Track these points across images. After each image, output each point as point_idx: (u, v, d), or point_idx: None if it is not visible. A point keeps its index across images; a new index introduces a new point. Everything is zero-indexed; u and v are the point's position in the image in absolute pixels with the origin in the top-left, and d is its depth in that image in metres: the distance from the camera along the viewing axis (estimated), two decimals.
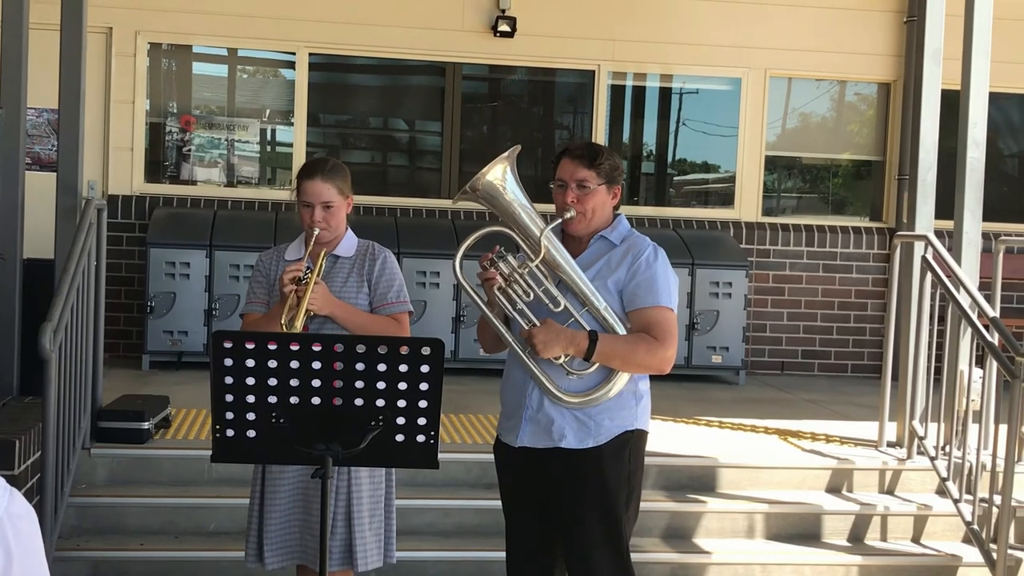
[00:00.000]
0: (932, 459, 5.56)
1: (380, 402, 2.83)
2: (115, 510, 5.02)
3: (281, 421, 2.84)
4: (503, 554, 3.57)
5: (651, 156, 9.32)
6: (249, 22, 8.31)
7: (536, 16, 8.55)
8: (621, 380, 3.32)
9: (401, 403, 2.84)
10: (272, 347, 2.80)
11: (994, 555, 4.87)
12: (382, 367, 2.81)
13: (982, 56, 5.82)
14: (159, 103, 8.49)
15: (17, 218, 5.30)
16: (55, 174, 5.46)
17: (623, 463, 3.35)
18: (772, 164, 9.24)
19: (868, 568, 5.25)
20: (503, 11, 8.46)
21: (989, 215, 6.23)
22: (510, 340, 3.34)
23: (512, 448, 3.42)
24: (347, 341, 2.85)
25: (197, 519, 5.04)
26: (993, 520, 4.99)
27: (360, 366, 2.81)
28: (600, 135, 8.81)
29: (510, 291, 3.30)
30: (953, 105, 6.05)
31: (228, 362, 2.80)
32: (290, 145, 8.63)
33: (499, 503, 3.57)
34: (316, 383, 2.82)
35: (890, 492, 5.68)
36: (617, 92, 9.02)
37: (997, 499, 4.92)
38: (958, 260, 5.75)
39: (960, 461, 5.36)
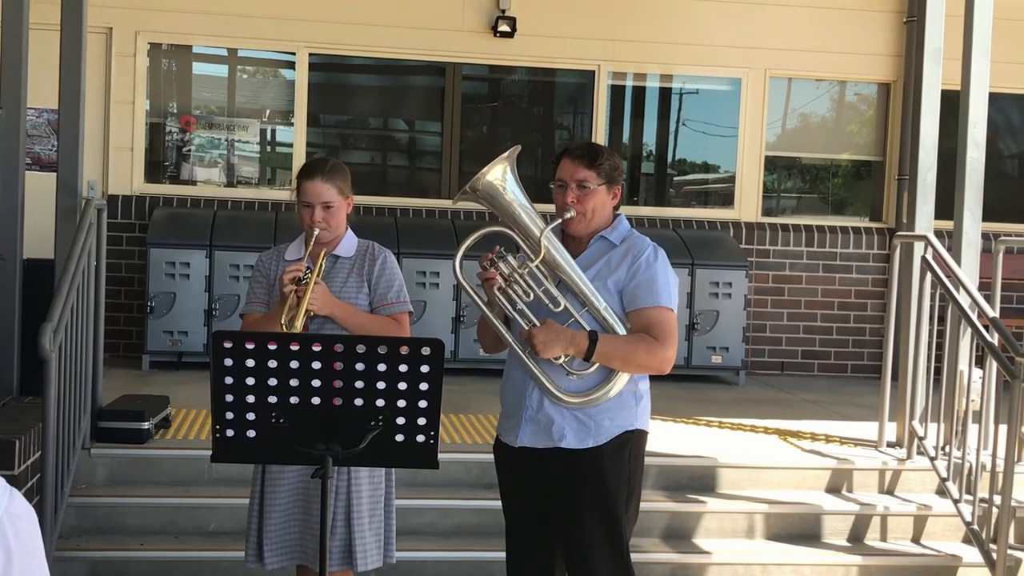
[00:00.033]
0: (932, 459, 5.56)
1: (380, 402, 2.83)
2: (115, 510, 5.03)
3: (281, 421, 2.84)
4: (503, 554, 3.57)
5: (651, 156, 9.32)
6: (249, 22, 8.31)
7: (536, 16, 8.55)
8: (621, 380, 3.32)
9: (401, 403, 2.84)
10: (272, 347, 2.80)
11: (994, 555, 4.87)
12: (382, 367, 2.81)
13: (982, 56, 5.82)
14: (159, 103, 8.49)
15: (17, 218, 5.30)
16: (55, 174, 5.46)
17: (623, 463, 3.35)
18: (772, 164, 9.24)
19: (868, 568, 5.25)
20: (503, 11, 8.47)
21: (989, 215, 6.23)
22: (510, 340, 3.34)
23: (512, 448, 3.42)
24: (347, 341, 2.85)
25: (197, 519, 5.04)
26: (993, 520, 4.99)
27: (360, 366, 2.81)
28: (600, 135, 8.81)
29: (510, 291, 3.30)
30: (953, 105, 6.05)
31: (228, 362, 2.80)
32: (290, 145, 8.63)
33: (499, 503, 3.57)
34: (316, 383, 2.82)
35: (890, 492, 5.68)
36: (617, 92, 9.03)
37: (997, 499, 4.92)
38: (958, 260, 5.75)
39: (960, 461, 5.36)
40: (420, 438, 2.89)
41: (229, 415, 2.85)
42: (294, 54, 8.49)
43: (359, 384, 2.82)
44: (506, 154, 3.36)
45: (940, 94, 6.05)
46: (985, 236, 6.17)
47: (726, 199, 9.11)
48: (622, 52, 8.76)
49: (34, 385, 4.90)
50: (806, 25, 8.90)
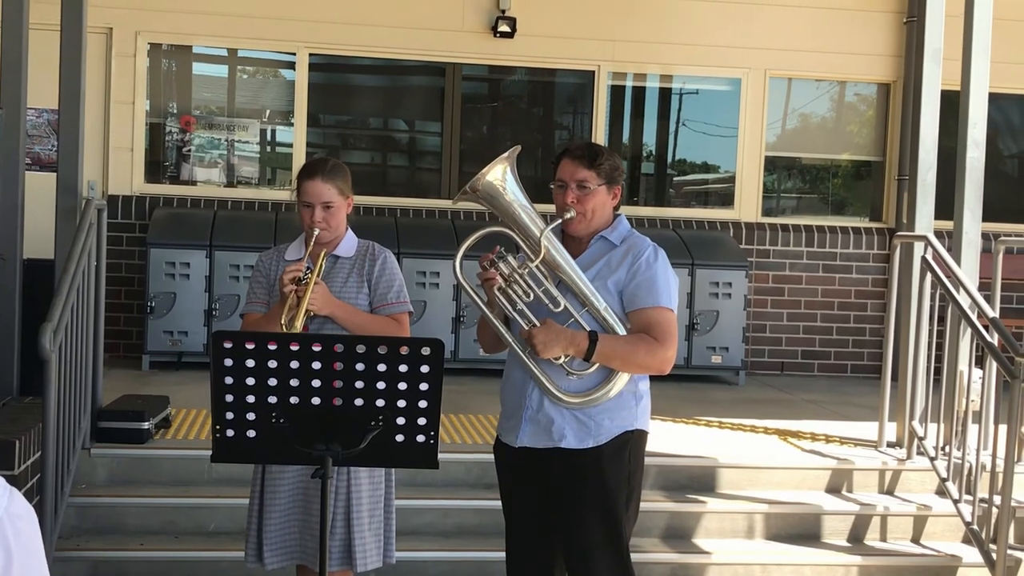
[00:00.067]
0: (932, 459, 5.56)
1: (380, 402, 2.83)
2: (115, 510, 5.03)
3: (281, 421, 2.84)
4: (503, 554, 3.57)
5: (651, 156, 9.32)
6: (249, 22, 8.31)
7: (536, 16, 8.55)
8: (621, 380, 3.32)
9: (401, 403, 2.84)
10: (272, 347, 2.81)
11: (994, 555, 4.87)
12: (382, 367, 2.81)
13: (982, 56, 5.82)
14: (159, 103, 8.49)
15: (17, 218, 5.30)
16: (55, 174, 5.46)
17: (623, 463, 3.35)
18: (772, 164, 9.25)
19: (868, 568, 5.25)
20: (503, 11, 8.47)
21: (989, 215, 6.23)
22: (510, 340, 3.34)
23: (512, 448, 3.42)
24: (347, 341, 2.85)
25: (197, 519, 5.04)
26: (993, 520, 4.99)
27: (360, 366, 2.81)
28: (600, 135, 8.81)
29: (510, 291, 3.30)
30: (953, 105, 6.05)
31: (228, 362, 2.80)
32: (290, 145, 8.63)
33: (499, 503, 3.57)
34: (316, 383, 2.82)
35: (890, 492, 5.68)
36: (617, 92, 9.03)
37: (997, 499, 4.92)
38: (958, 260, 5.75)
39: (960, 461, 5.36)
40: (420, 438, 2.89)
41: (229, 415, 2.86)
42: (294, 54, 8.49)
43: (359, 384, 2.82)
44: (506, 154, 3.36)
45: (940, 94, 6.05)
46: (985, 236, 6.17)
47: (726, 199, 9.11)
48: (622, 52, 8.76)
49: (34, 385, 4.90)
50: (806, 25, 8.90)
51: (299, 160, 8.31)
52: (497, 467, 3.57)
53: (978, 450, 5.21)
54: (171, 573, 4.85)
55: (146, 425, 5.28)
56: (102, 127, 8.15)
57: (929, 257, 5.76)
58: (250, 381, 2.82)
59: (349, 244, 3.69)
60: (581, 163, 3.36)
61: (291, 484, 3.53)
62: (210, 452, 2.94)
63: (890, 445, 5.98)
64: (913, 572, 5.27)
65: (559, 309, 3.29)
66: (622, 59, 8.79)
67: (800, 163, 9.50)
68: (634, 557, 3.44)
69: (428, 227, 8.27)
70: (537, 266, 3.31)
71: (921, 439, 5.72)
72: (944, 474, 5.45)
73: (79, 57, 5.37)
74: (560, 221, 3.36)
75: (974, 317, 5.37)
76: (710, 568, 5.13)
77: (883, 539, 5.45)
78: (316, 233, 3.58)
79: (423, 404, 2.85)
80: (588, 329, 3.26)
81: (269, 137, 8.87)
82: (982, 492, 5.12)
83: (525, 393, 3.37)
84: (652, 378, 3.45)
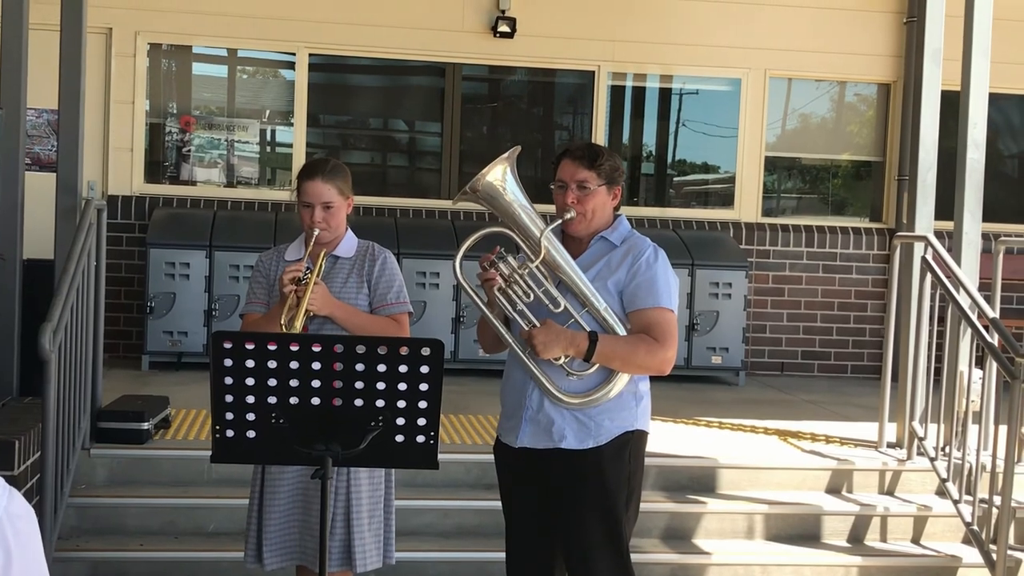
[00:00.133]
0: (932, 460, 5.56)
1: (380, 402, 2.83)
2: (115, 510, 5.02)
3: (281, 421, 2.84)
4: (503, 555, 3.57)
5: (651, 157, 9.32)
6: (249, 23, 8.31)
7: (536, 17, 8.55)
8: (621, 381, 3.32)
9: (401, 403, 2.84)
10: (272, 347, 2.80)
11: (994, 556, 4.87)
12: (382, 367, 2.81)
13: (982, 57, 5.82)
14: (159, 103, 8.49)
15: (17, 218, 5.30)
16: (55, 174, 5.45)
17: (623, 464, 3.35)
18: (772, 165, 9.24)
19: (868, 569, 5.25)
20: (503, 12, 8.47)
21: (989, 216, 6.23)
22: (510, 341, 3.34)
23: (512, 449, 3.42)
24: (347, 342, 2.85)
25: (197, 519, 5.03)
26: (993, 521, 4.99)
27: (360, 366, 2.80)
28: (600, 136, 8.81)
29: (510, 292, 3.30)
30: (953, 106, 6.05)
31: (228, 362, 2.80)
32: (290, 146, 8.63)
33: (499, 504, 3.57)
34: (316, 383, 2.82)
35: (890, 493, 5.68)
36: (617, 93, 9.03)
37: (997, 500, 4.92)
38: (958, 261, 5.75)
39: (960, 462, 5.36)
40: (420, 438, 2.89)
41: (229, 415, 2.85)
42: (294, 54, 8.49)
43: (359, 384, 2.82)
44: (506, 155, 3.36)
45: (940, 94, 6.05)
46: (985, 236, 6.17)
47: (726, 199, 9.11)
48: (622, 52, 8.76)
49: (34, 385, 4.90)
50: (806, 25, 8.90)
51: (299, 160, 8.31)
52: (497, 467, 3.57)
53: (978, 450, 5.21)
54: (171, 573, 4.85)
55: (146, 425, 5.28)
56: (102, 127, 8.15)
57: (929, 257, 5.76)
58: (250, 381, 2.81)
59: (349, 244, 3.69)
60: (581, 163, 3.36)
61: (291, 484, 3.53)
62: (210, 452, 2.94)
63: (890, 445, 5.98)
64: (913, 572, 5.27)
65: (559, 310, 3.29)
66: (622, 59, 8.79)
67: (800, 163, 9.50)
68: (634, 557, 3.44)
69: (428, 227, 8.27)
70: (537, 266, 3.31)
71: (921, 439, 5.71)
72: (944, 474, 5.45)
73: (79, 57, 5.37)
74: (560, 221, 3.36)
75: (974, 317, 5.37)
76: (710, 568, 5.13)
77: (883, 540, 5.45)
78: (316, 233, 3.58)
79: (423, 404, 2.85)
80: (588, 330, 3.26)
81: (269, 137, 8.87)
82: (982, 492, 5.12)
83: (525, 394, 3.37)
84: (652, 378, 3.45)
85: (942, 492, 5.54)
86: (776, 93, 9.13)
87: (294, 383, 2.81)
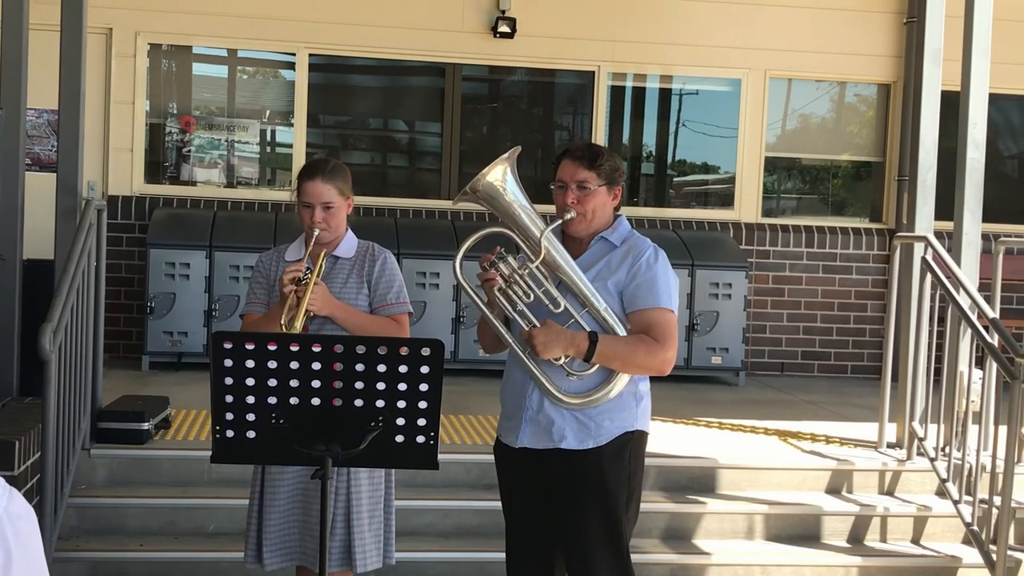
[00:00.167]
0: (932, 460, 5.56)
1: (380, 403, 2.83)
2: (115, 511, 5.02)
3: (281, 422, 2.84)
4: (503, 555, 3.57)
5: (651, 157, 9.32)
6: (249, 23, 8.31)
7: (536, 17, 8.55)
8: (621, 381, 3.32)
9: (401, 404, 2.84)
10: (272, 348, 2.80)
11: (994, 556, 4.87)
12: (382, 368, 2.81)
13: (982, 57, 5.82)
14: (159, 104, 8.49)
15: (17, 219, 5.30)
16: (55, 175, 5.46)
17: (623, 464, 3.35)
18: (772, 165, 9.25)
19: (868, 569, 5.25)
20: (503, 12, 8.47)
21: (989, 216, 6.22)
22: (510, 341, 3.34)
23: (512, 449, 3.42)
24: (347, 342, 2.85)
25: (197, 520, 5.03)
26: (993, 521, 4.99)
27: (360, 367, 2.81)
28: (600, 136, 8.81)
29: (510, 292, 3.30)
30: (953, 106, 6.05)
31: (228, 363, 2.80)
32: (290, 146, 8.63)
33: (499, 504, 3.57)
34: (316, 384, 2.82)
35: (890, 493, 5.68)
36: (617, 93, 9.03)
37: (997, 500, 4.92)
38: (958, 261, 5.75)
39: (960, 462, 5.36)
40: (420, 439, 2.89)
41: (229, 416, 2.85)
42: (294, 55, 8.49)
43: (359, 385, 2.82)
44: (506, 155, 3.36)
45: (940, 95, 6.05)
46: (985, 237, 6.17)
47: (726, 200, 9.11)
48: (622, 53, 8.76)
49: (34, 386, 4.90)
50: (806, 26, 8.90)
51: (299, 161, 8.31)
52: (497, 467, 3.57)
53: (978, 451, 5.21)
54: (171, 574, 4.85)
55: (146, 426, 5.28)
56: (102, 127, 8.15)
57: (929, 258, 5.76)
58: (250, 382, 2.81)
59: (349, 245, 3.69)
60: (581, 164, 3.36)
61: (291, 485, 3.53)
62: (210, 453, 2.94)
63: (890, 446, 5.98)
64: (913, 573, 5.27)
65: (559, 310, 3.29)
66: (622, 59, 8.79)
67: (800, 164, 9.50)
68: (634, 558, 3.44)
69: (428, 228, 8.27)
70: (537, 267, 3.31)
71: (921, 440, 5.71)
72: (944, 475, 5.45)
73: (79, 57, 5.37)
74: (560, 222, 3.36)
75: (974, 318, 5.37)
76: (710, 569, 5.13)
77: (883, 540, 5.45)
78: (316, 233, 3.58)
79: (423, 405, 2.85)
80: (588, 330, 3.26)
81: (269, 137, 8.87)
82: (982, 493, 5.12)
83: (525, 394, 3.37)
84: (652, 379, 3.45)
85: (942, 492, 5.54)
86: (776, 93, 9.13)
87: (294, 383, 2.81)
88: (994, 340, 5.20)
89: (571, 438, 3.32)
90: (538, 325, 3.25)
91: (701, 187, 9.41)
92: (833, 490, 5.63)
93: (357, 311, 3.59)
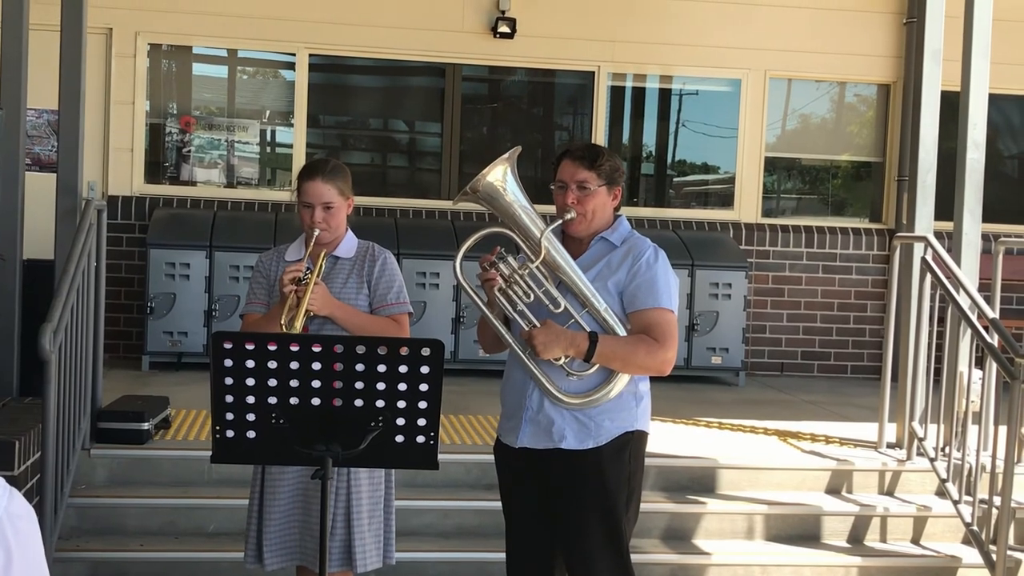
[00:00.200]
0: (932, 460, 5.56)
1: (380, 403, 2.83)
2: (115, 511, 5.02)
3: (281, 422, 2.84)
4: (503, 555, 3.57)
5: (651, 157, 9.32)
6: (249, 23, 8.31)
7: (536, 17, 8.55)
8: (621, 381, 3.32)
9: (401, 404, 2.84)
10: (272, 348, 2.81)
11: (994, 556, 4.87)
12: (382, 368, 2.81)
13: (982, 57, 5.82)
14: (159, 104, 8.49)
15: (17, 219, 5.30)
16: (55, 175, 5.46)
17: (623, 464, 3.35)
18: (772, 165, 9.25)
19: (868, 569, 5.25)
20: (503, 12, 8.47)
21: (989, 216, 6.23)
22: (510, 341, 3.34)
23: (512, 449, 3.42)
24: (347, 342, 2.85)
25: (197, 520, 5.04)
26: (993, 521, 4.99)
27: (360, 367, 2.81)
28: (600, 136, 8.81)
29: (510, 292, 3.30)
30: (953, 106, 6.05)
31: (228, 363, 2.80)
32: (290, 146, 8.63)
33: (499, 504, 3.57)
34: (316, 384, 2.82)
35: (890, 493, 5.68)
36: (617, 93, 9.03)
37: (997, 500, 4.92)
38: (958, 261, 5.75)
39: (960, 462, 5.36)
40: (420, 439, 2.89)
41: (229, 416, 2.85)
42: (294, 55, 8.49)
43: (359, 385, 2.82)
44: (506, 155, 3.36)
45: (940, 95, 6.05)
46: (985, 237, 6.18)
47: (726, 200, 9.11)
48: (622, 53, 8.76)
49: (34, 386, 4.90)
50: (806, 26, 8.90)
51: (299, 161, 8.32)
52: (497, 467, 3.57)
53: (978, 451, 5.21)
54: (171, 574, 4.85)
55: (146, 426, 5.28)
56: (102, 128, 8.15)
57: (929, 258, 5.76)
58: (250, 382, 2.81)
59: (349, 245, 3.69)
60: (581, 164, 3.36)
61: (291, 485, 3.53)
62: (210, 453, 2.94)
63: (890, 446, 5.98)
64: (913, 573, 5.27)
65: (559, 310, 3.29)
66: (622, 60, 8.79)
67: (800, 164, 9.50)
68: (634, 558, 3.44)
69: (428, 228, 8.27)
70: (537, 267, 3.31)
71: (921, 440, 5.72)
72: (944, 475, 5.45)
73: (79, 57, 5.37)
74: (560, 222, 3.36)
75: (974, 318, 5.37)
76: (710, 569, 5.13)
77: (883, 540, 5.45)
78: (316, 234, 3.58)
79: (423, 405, 2.85)
80: (588, 330, 3.26)
81: (269, 138, 8.87)
82: (982, 493, 5.12)
83: (525, 394, 3.37)
84: (652, 379, 3.45)
85: (942, 492, 5.54)
86: (776, 94, 9.13)
87: (294, 383, 2.82)
88: (994, 340, 5.20)
89: (571, 438, 3.32)
90: (538, 325, 3.25)
91: (701, 187, 9.41)
92: (833, 490, 5.64)
93: (357, 311, 3.59)
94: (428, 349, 2.82)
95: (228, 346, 2.80)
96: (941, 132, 6.06)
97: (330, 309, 3.52)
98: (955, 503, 5.29)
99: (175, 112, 8.55)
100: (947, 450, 5.50)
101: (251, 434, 2.87)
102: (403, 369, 2.81)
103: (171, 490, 5.15)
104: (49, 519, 4.30)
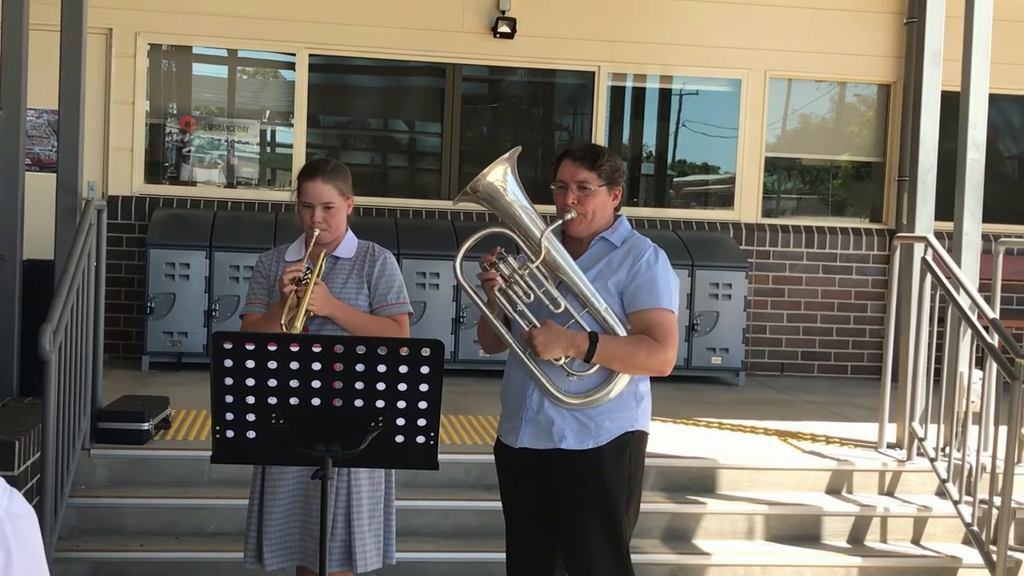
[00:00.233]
0: (932, 460, 5.56)
1: (380, 403, 2.83)
2: (115, 511, 5.02)
3: (281, 422, 2.84)
4: (503, 555, 3.57)
5: (651, 157, 9.32)
6: (249, 23, 8.31)
7: (536, 17, 8.55)
8: (621, 381, 3.32)
9: (401, 404, 2.84)
10: (272, 348, 2.80)
11: (994, 556, 4.87)
12: (382, 368, 2.81)
13: (982, 57, 5.82)
14: (159, 104, 8.49)
15: (17, 219, 5.30)
16: (55, 175, 5.46)
17: (623, 464, 3.35)
18: (772, 165, 9.25)
19: (868, 569, 5.25)
20: (503, 12, 8.47)
21: (989, 216, 6.23)
22: (510, 341, 3.34)
23: (512, 449, 3.42)
24: (347, 342, 2.85)
25: (197, 520, 5.04)
26: (993, 522, 4.99)
27: (360, 367, 2.81)
28: (600, 136, 8.81)
29: (510, 292, 3.30)
30: (953, 107, 6.05)
31: (228, 363, 2.80)
32: (290, 146, 8.63)
33: (499, 504, 3.57)
34: (316, 384, 2.82)
35: (890, 493, 5.68)
36: (617, 93, 9.03)
37: (997, 500, 4.92)
38: (958, 261, 5.75)
39: (960, 462, 5.36)
40: (420, 439, 2.89)
41: (229, 416, 2.85)
42: (294, 55, 8.49)
43: (359, 385, 2.82)
44: (507, 155, 3.36)
45: (940, 95, 6.05)
46: (985, 237, 6.18)
47: (726, 200, 9.11)
48: (622, 53, 8.76)
49: (34, 386, 4.90)
50: (806, 26, 8.90)
51: (299, 161, 8.32)
52: (497, 468, 3.57)
53: (978, 451, 5.21)
54: (171, 574, 4.85)
55: (146, 426, 5.28)
56: (102, 128, 8.15)
57: (929, 258, 5.76)
58: (250, 382, 2.81)
59: (349, 245, 3.69)
60: (582, 164, 3.36)
61: (291, 485, 3.53)
62: (210, 453, 2.94)
63: (890, 446, 5.98)
64: (913, 573, 5.27)
65: (559, 310, 3.29)
66: (622, 60, 8.79)
67: (800, 164, 9.50)
68: (634, 558, 3.44)
69: (428, 228, 8.27)
70: (538, 267, 3.31)
71: (921, 440, 5.71)
72: (944, 475, 5.45)
73: (79, 57, 5.37)
74: (561, 222, 3.36)
75: (974, 318, 5.37)
76: (710, 569, 5.13)
77: (883, 540, 5.45)
78: (316, 234, 3.58)
79: (423, 405, 2.85)
80: (588, 330, 3.26)
81: (269, 138, 8.87)
82: (982, 493, 5.12)
83: (525, 394, 3.37)
84: (652, 379, 3.45)
85: (942, 493, 5.54)
86: (776, 94, 9.13)
87: (294, 383, 2.81)
88: (994, 340, 5.20)
89: (571, 438, 3.32)
90: (538, 325, 3.25)
91: (701, 187, 9.41)
92: (833, 490, 5.63)
93: (357, 311, 3.59)
94: (428, 349, 2.82)
95: (228, 346, 2.80)
96: (941, 132, 6.06)
97: (330, 309, 3.52)
98: (955, 503, 5.29)
99: (175, 112, 8.55)
100: (947, 450, 5.50)
101: (251, 434, 2.87)
102: (403, 369, 2.81)
103: (171, 490, 5.15)
104: (49, 519, 4.30)
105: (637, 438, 3.39)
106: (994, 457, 5.13)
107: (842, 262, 9.00)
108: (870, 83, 9.26)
